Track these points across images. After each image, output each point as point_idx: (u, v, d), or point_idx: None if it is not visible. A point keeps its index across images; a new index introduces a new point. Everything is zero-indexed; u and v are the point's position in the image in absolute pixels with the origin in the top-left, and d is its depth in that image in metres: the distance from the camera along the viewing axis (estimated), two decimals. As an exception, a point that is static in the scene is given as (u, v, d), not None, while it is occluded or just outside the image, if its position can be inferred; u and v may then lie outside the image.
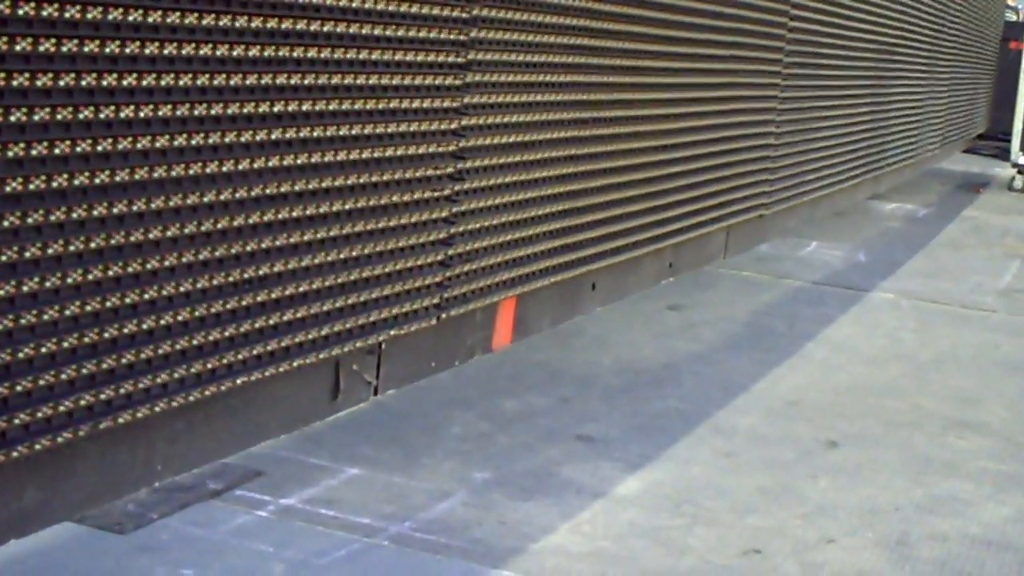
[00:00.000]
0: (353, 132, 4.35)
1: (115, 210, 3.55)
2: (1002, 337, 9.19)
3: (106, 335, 3.55)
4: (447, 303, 4.74)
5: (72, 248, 3.45)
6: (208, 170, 3.83)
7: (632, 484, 5.77)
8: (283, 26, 4.00)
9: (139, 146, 3.62)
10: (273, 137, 4.04)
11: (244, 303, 3.96)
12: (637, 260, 6.25)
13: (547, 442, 6.05)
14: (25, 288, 3.33)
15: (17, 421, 3.30)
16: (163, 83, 3.65)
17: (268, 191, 4.03)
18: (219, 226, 3.88)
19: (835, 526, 5.49)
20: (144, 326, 3.65)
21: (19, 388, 3.31)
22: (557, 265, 5.51)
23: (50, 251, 3.40)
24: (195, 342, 3.80)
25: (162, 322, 3.70)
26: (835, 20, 9.73)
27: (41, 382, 3.37)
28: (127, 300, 3.60)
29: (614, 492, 5.65)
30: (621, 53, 6.06)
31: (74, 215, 3.41)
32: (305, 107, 4.19)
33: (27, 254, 3.31)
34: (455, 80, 4.79)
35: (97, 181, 3.49)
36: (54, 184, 3.37)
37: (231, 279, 3.90)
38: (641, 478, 5.84)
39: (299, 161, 4.17)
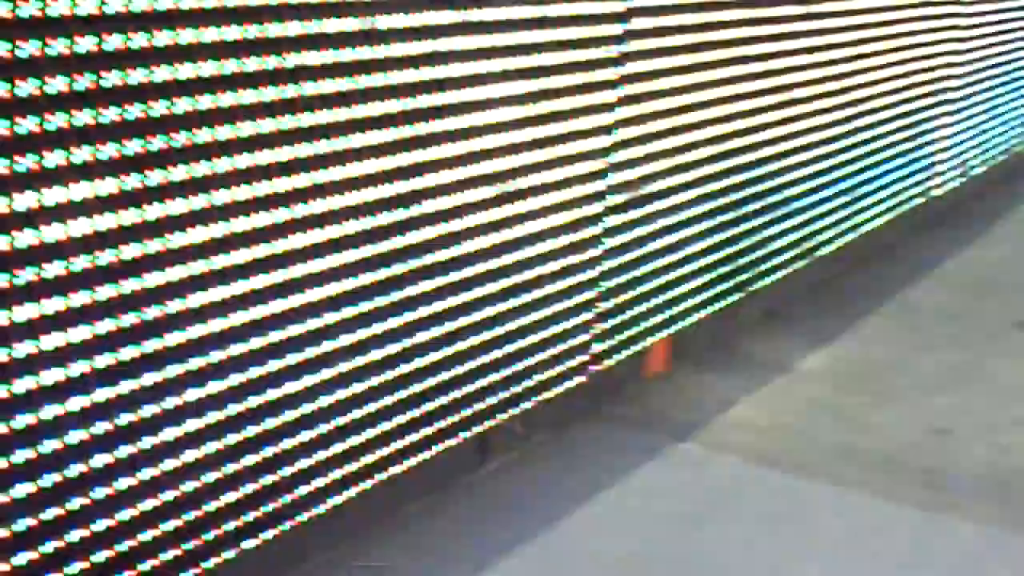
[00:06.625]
0: (503, 215, 4.14)
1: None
2: None
3: (259, 456, 3.46)
4: (597, 358, 4.64)
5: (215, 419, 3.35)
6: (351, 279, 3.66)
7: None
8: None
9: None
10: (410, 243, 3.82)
11: (390, 402, 3.86)
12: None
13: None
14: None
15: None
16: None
17: (414, 290, 3.85)
18: (369, 332, 3.73)
19: (1026, 408, 5.32)
20: (298, 440, 3.57)
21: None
22: (717, 294, 5.29)
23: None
24: (344, 446, 3.72)
25: (315, 433, 3.61)
26: None
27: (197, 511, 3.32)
28: (285, 417, 3.50)
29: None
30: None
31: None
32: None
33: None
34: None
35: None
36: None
37: (379, 380, 3.80)
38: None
39: (449, 254, 3.97)
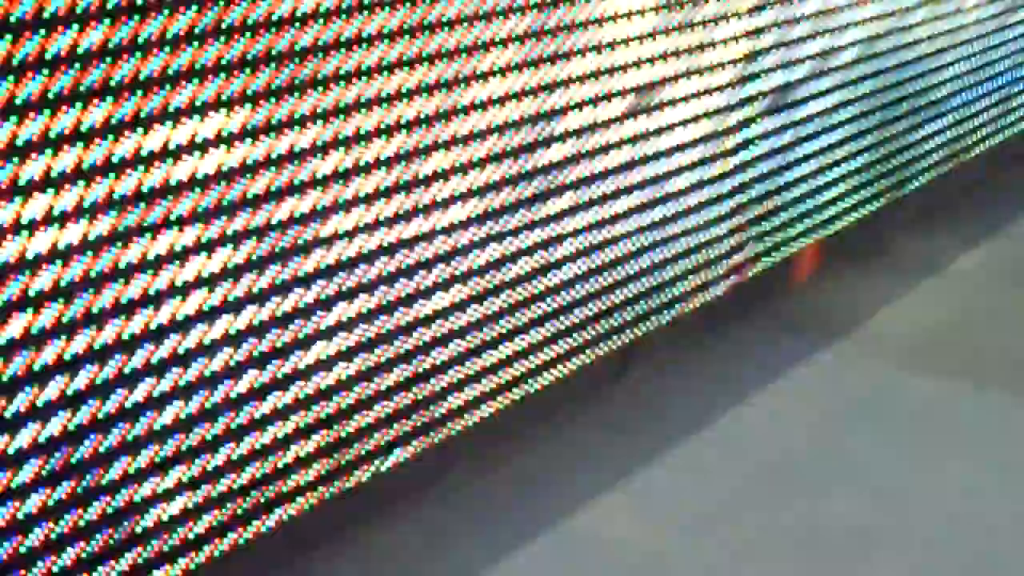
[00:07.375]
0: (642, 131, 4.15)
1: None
2: None
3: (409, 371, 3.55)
4: (745, 264, 4.63)
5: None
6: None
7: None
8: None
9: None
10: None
11: (536, 315, 3.90)
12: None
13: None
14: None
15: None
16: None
17: (560, 205, 3.88)
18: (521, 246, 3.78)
19: None
20: (446, 354, 3.64)
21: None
22: (867, 197, 5.22)
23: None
24: (490, 359, 3.78)
25: (462, 347, 3.68)
26: None
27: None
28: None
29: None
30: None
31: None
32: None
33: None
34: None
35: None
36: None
37: (524, 293, 3.84)
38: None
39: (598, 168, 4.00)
